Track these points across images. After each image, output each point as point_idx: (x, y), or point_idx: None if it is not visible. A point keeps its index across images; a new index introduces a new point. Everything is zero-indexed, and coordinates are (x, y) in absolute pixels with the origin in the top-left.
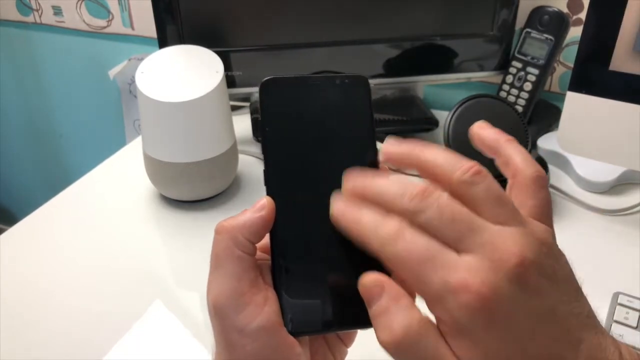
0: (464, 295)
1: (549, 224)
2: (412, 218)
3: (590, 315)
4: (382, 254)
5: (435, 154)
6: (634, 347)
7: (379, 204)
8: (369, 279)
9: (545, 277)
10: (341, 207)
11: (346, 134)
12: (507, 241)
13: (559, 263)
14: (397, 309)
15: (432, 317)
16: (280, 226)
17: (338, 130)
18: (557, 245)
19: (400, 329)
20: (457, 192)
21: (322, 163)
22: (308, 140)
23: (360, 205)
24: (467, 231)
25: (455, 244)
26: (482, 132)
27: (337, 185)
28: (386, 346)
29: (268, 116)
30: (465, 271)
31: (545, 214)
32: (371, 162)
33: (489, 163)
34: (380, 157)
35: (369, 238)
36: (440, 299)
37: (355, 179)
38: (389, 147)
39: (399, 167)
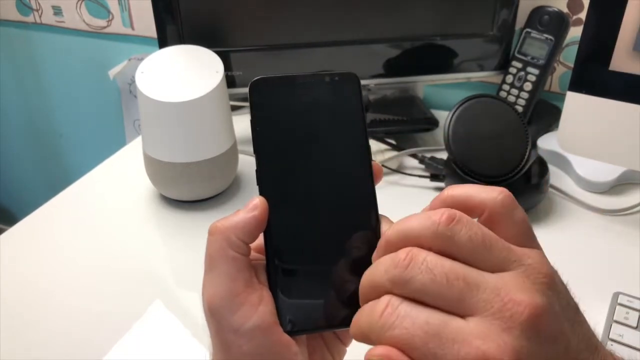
0: None
1: (536, 244)
2: (402, 290)
3: (589, 334)
4: (384, 342)
5: (402, 226)
6: (634, 347)
7: (373, 289)
8: (377, 353)
9: (557, 317)
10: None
11: (338, 132)
12: (511, 291)
13: (558, 290)
14: None
15: None
16: (274, 226)
17: (330, 128)
18: (551, 267)
19: None
20: (440, 249)
21: (314, 162)
22: (300, 139)
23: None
24: (466, 290)
25: (457, 307)
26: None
27: (329, 183)
28: None
29: (258, 116)
30: (477, 340)
31: (527, 234)
32: (363, 159)
33: (498, 163)
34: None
35: (369, 328)
36: None
37: None
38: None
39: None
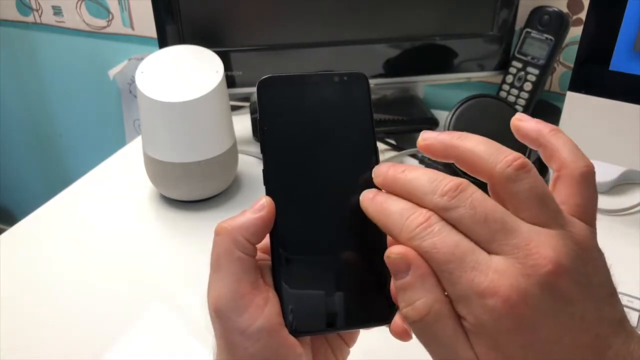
0: (490, 300)
1: (592, 222)
2: (443, 214)
3: (622, 320)
4: (409, 246)
5: (475, 143)
6: None
7: (410, 198)
8: (396, 252)
9: (579, 285)
10: (370, 195)
11: (346, 132)
12: (542, 245)
13: (595, 267)
14: (421, 286)
15: None
16: (281, 226)
17: (338, 128)
18: (596, 246)
19: (422, 308)
20: (498, 186)
21: (322, 162)
22: (307, 139)
23: (391, 196)
24: (500, 232)
25: (487, 244)
26: (523, 124)
27: (337, 183)
28: (407, 319)
29: (266, 115)
30: (494, 274)
31: (590, 212)
32: (371, 159)
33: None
34: (418, 147)
35: (397, 228)
36: (466, 300)
37: (385, 172)
38: (426, 138)
39: (437, 158)
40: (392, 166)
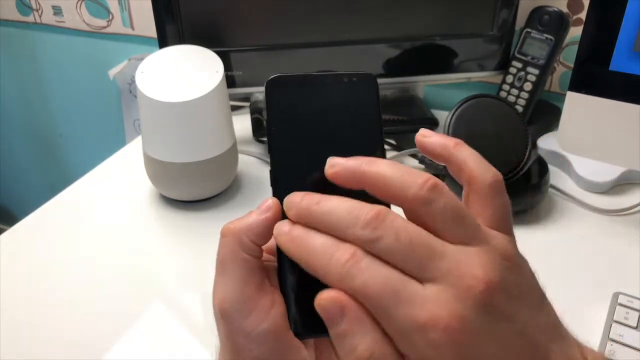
0: (432, 333)
1: (509, 231)
2: (368, 247)
3: (555, 322)
4: (340, 288)
5: (384, 169)
6: (634, 348)
7: (329, 231)
8: (326, 297)
9: (512, 298)
10: (285, 229)
11: (354, 134)
12: (470, 265)
13: (522, 275)
14: (359, 331)
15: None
16: None
17: (346, 129)
18: (519, 254)
19: (364, 354)
20: (413, 210)
21: None
22: (315, 140)
23: (309, 230)
24: (427, 257)
25: (417, 272)
26: (427, 139)
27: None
28: None
29: (274, 115)
30: (430, 304)
31: (504, 221)
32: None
33: (498, 162)
34: (326, 175)
35: (323, 269)
36: (407, 336)
37: (297, 203)
38: (334, 165)
39: (348, 187)
40: (305, 196)
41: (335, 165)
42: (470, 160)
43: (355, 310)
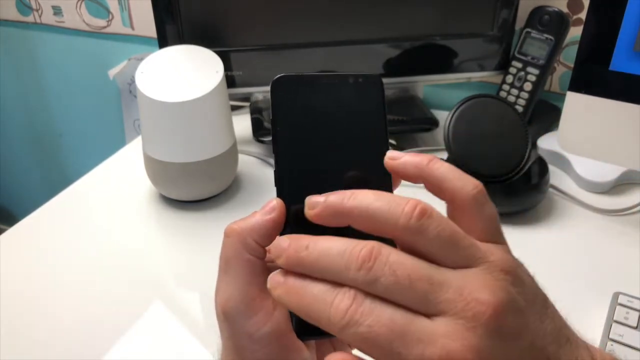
0: None
1: (501, 239)
2: (366, 289)
3: (561, 326)
4: (344, 339)
5: (368, 202)
6: (634, 347)
7: (324, 277)
8: None
9: (519, 312)
10: (280, 280)
11: (359, 135)
12: (474, 289)
13: (524, 284)
14: None
15: None
16: (291, 229)
17: (351, 130)
18: (516, 262)
19: None
20: (406, 241)
21: (333, 164)
22: (320, 141)
23: (304, 279)
24: (429, 290)
25: (422, 308)
26: (397, 162)
27: (349, 186)
28: None
29: (279, 115)
30: (442, 339)
31: (495, 230)
32: (383, 163)
33: (498, 162)
34: (307, 216)
35: (325, 319)
36: None
37: (285, 250)
38: (311, 210)
39: (332, 226)
40: (292, 241)
41: (316, 206)
42: (448, 176)
43: None
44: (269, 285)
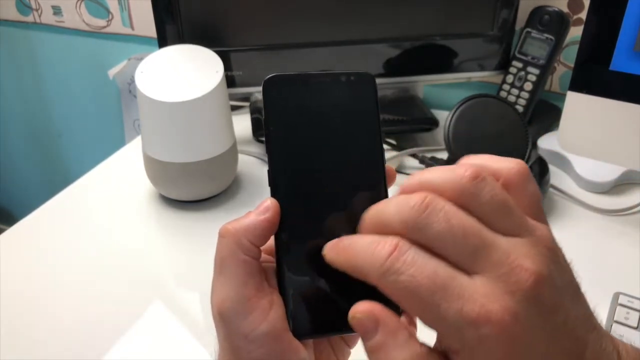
0: (484, 328)
1: (544, 218)
2: (415, 235)
3: (590, 314)
4: (383, 286)
5: (422, 175)
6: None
7: (378, 225)
8: (361, 311)
9: (557, 290)
10: (332, 244)
11: (352, 133)
12: (521, 257)
13: (563, 266)
14: (395, 344)
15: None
16: (285, 228)
17: (344, 128)
18: (556, 243)
19: None
20: (461, 203)
21: (327, 163)
22: (313, 140)
23: (354, 235)
24: (480, 247)
25: (467, 262)
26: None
27: (343, 185)
28: None
29: (272, 115)
30: (483, 298)
31: (539, 209)
32: (377, 161)
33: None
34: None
35: (367, 268)
36: (457, 332)
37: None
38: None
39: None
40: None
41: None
42: (488, 160)
43: (391, 323)
44: (324, 251)
